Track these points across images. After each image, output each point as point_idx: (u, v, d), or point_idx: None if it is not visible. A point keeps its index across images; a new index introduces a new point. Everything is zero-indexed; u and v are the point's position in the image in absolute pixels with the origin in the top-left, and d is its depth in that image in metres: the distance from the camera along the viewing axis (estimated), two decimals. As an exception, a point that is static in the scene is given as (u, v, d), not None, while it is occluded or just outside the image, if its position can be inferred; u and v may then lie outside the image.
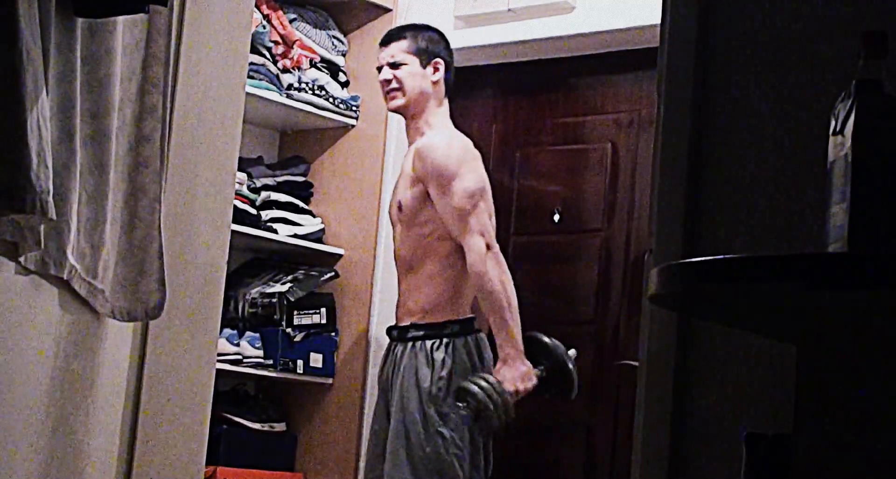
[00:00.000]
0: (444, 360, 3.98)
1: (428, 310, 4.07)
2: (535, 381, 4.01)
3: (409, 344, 4.04)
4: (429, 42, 4.29)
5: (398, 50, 4.27)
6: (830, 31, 2.35)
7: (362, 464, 4.80)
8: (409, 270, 4.15)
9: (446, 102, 4.28)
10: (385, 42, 4.32)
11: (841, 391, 1.52)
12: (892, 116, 1.63)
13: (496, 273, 3.99)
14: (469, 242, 4.01)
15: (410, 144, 4.27)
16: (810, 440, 1.52)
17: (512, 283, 4.02)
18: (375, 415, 4.19)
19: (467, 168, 4.12)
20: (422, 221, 4.11)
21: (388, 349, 4.16)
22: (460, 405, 3.91)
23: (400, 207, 4.16)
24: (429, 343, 4.01)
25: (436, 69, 4.25)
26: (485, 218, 4.06)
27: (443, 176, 4.07)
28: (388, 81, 4.24)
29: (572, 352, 4.11)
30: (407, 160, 4.21)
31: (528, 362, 4.01)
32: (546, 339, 4.10)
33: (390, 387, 4.07)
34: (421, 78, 4.23)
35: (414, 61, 4.25)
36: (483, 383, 3.90)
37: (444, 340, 4.01)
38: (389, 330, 4.19)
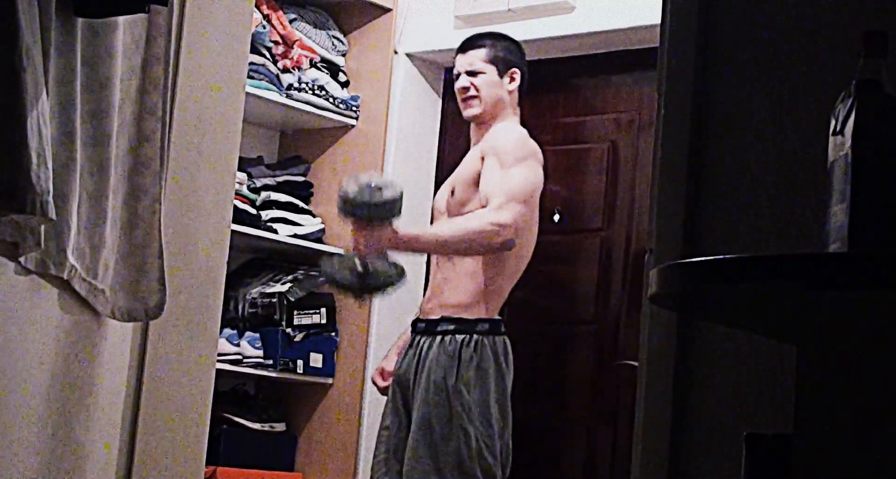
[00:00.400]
0: (471, 357, 3.96)
1: (462, 305, 4.05)
2: (378, 262, 3.93)
3: (438, 338, 4.01)
4: (506, 51, 4.28)
5: (476, 58, 4.25)
6: (830, 31, 2.35)
7: (363, 464, 4.80)
8: (448, 263, 4.12)
9: (518, 110, 4.28)
10: (463, 49, 4.30)
11: (841, 391, 1.52)
12: (892, 116, 1.63)
13: (483, 238, 3.94)
14: (497, 211, 3.94)
15: (475, 143, 4.25)
16: (810, 440, 1.52)
17: (483, 244, 3.98)
18: (387, 412, 4.14)
19: (536, 161, 4.11)
20: (471, 208, 4.08)
21: (413, 344, 4.10)
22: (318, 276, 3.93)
23: (453, 192, 4.14)
24: (459, 338, 3.99)
25: (512, 79, 4.25)
26: (527, 214, 4.01)
27: (508, 153, 4.06)
28: (466, 89, 4.22)
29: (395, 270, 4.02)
30: (473, 152, 4.17)
31: (396, 232, 3.94)
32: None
33: (413, 381, 4.01)
34: (498, 87, 4.23)
35: (491, 70, 4.24)
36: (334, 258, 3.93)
37: (475, 337, 3.99)
38: (415, 323, 4.15)
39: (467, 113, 4.23)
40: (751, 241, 2.37)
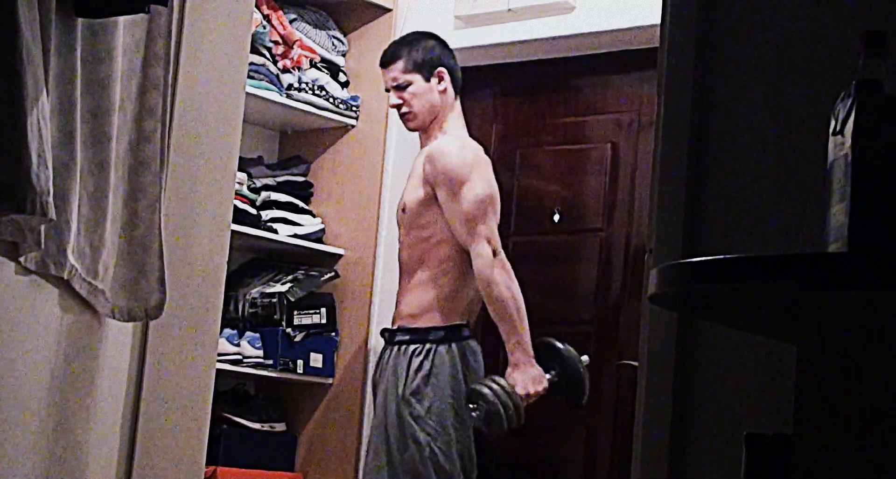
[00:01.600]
0: (421, 364, 4.00)
1: (415, 315, 4.09)
2: (546, 385, 4.02)
3: (396, 348, 4.08)
4: (425, 53, 4.26)
5: (398, 71, 4.26)
6: (830, 31, 2.35)
7: (362, 463, 4.80)
8: (405, 274, 4.18)
9: (457, 104, 4.28)
10: (383, 64, 4.31)
11: (841, 391, 1.52)
12: (892, 116, 1.63)
13: (503, 279, 4.01)
14: (477, 248, 4.02)
15: (422, 147, 4.27)
16: (810, 440, 1.52)
17: (518, 288, 4.04)
18: (373, 418, 4.22)
19: (478, 174, 4.13)
20: (422, 224, 4.12)
21: (381, 352, 4.21)
22: (471, 405, 3.92)
23: (404, 209, 4.17)
24: (411, 348, 4.03)
25: (440, 79, 4.25)
26: (493, 225, 4.08)
27: (453, 180, 4.08)
28: (399, 106, 4.24)
29: (585, 358, 4.12)
30: (417, 163, 4.21)
31: (539, 367, 4.02)
32: (559, 344, 4.12)
33: (375, 388, 4.12)
34: (428, 93, 4.23)
35: (416, 78, 4.24)
36: (495, 386, 3.91)
37: (427, 346, 4.03)
38: (382, 332, 4.24)
39: (408, 127, 4.27)
40: (751, 241, 2.37)
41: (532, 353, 4.03)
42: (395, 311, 4.20)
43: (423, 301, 4.10)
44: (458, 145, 4.17)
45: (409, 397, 3.96)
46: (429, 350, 4.02)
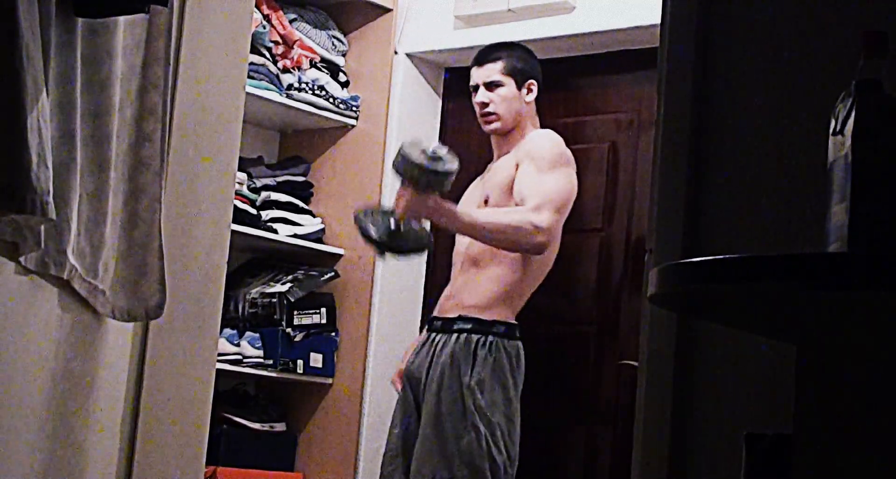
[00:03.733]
0: (485, 357, 3.97)
1: (481, 306, 4.06)
2: (412, 222, 3.96)
3: (455, 336, 4.02)
4: (523, 62, 4.28)
5: (494, 71, 4.25)
6: (830, 31, 2.35)
7: (363, 464, 4.80)
8: (473, 265, 4.13)
9: (538, 120, 4.28)
10: (479, 62, 4.30)
11: (841, 391, 1.52)
12: (892, 116, 1.63)
13: (516, 232, 3.96)
14: (535, 212, 3.97)
15: (497, 153, 4.27)
16: (810, 440, 1.52)
17: (515, 251, 4.01)
18: (398, 409, 4.14)
19: (571, 169, 4.13)
20: None
21: (426, 340, 4.13)
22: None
23: (486, 201, 4.14)
24: (474, 338, 4.00)
25: (529, 90, 4.25)
26: (560, 218, 4.04)
27: (547, 159, 4.07)
28: (486, 104, 4.23)
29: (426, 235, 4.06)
30: (505, 161, 4.18)
31: (427, 224, 4.00)
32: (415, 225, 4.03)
33: (425, 376, 4.04)
34: (517, 100, 4.23)
35: (510, 82, 4.24)
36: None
37: (490, 338, 4.01)
38: (432, 321, 4.18)
39: (488, 129, 4.25)
40: (751, 241, 2.37)
41: (450, 222, 4.00)
42: (449, 300, 4.15)
43: (490, 294, 4.08)
44: (559, 139, 4.18)
45: (475, 386, 3.93)
46: (492, 343, 4.01)
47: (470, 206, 4.17)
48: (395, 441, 4.09)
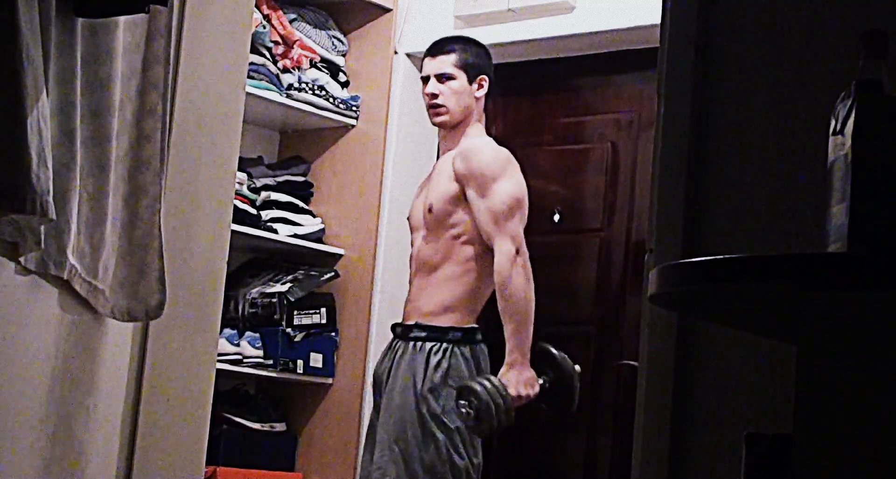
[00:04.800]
0: (439, 363, 3.99)
1: (434, 313, 4.08)
2: (537, 389, 4.02)
3: (411, 344, 4.05)
4: (476, 57, 4.27)
5: (447, 63, 4.23)
6: (830, 31, 2.35)
7: (360, 461, 4.81)
8: (429, 271, 4.14)
9: (483, 117, 4.28)
10: (432, 53, 4.28)
11: (841, 391, 1.52)
12: (892, 116, 1.63)
13: (521, 280, 4.01)
14: (500, 243, 4.01)
15: (444, 152, 4.26)
16: (810, 440, 1.52)
17: (533, 291, 4.03)
18: (373, 413, 4.20)
19: (510, 174, 4.13)
20: (451, 223, 4.11)
21: (389, 346, 4.17)
22: (462, 402, 3.91)
23: (430, 209, 4.14)
24: (428, 345, 4.02)
25: (480, 86, 4.25)
26: (518, 225, 4.07)
27: (486, 176, 4.08)
28: (435, 96, 4.21)
29: (577, 368, 4.12)
30: (443, 163, 4.19)
31: (533, 371, 4.02)
32: (555, 351, 4.12)
33: (384, 382, 4.08)
34: (467, 94, 4.23)
35: (462, 76, 4.23)
36: (487, 384, 3.91)
37: (444, 345, 4.02)
38: (394, 327, 4.19)
39: (435, 120, 4.24)
40: (751, 241, 2.37)
41: (529, 356, 4.03)
42: (408, 306, 4.17)
43: (443, 300, 4.09)
44: (492, 145, 4.19)
45: (427, 393, 3.95)
46: (446, 349, 4.02)
47: (419, 212, 4.20)
48: (365, 453, 4.14)
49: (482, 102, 4.26)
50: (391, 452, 3.94)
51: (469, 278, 4.11)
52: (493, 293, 4.07)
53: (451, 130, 4.23)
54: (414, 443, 3.92)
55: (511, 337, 4.02)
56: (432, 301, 4.10)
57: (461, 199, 4.10)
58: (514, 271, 4.01)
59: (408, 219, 4.34)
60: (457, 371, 4.00)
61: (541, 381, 4.04)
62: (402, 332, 4.13)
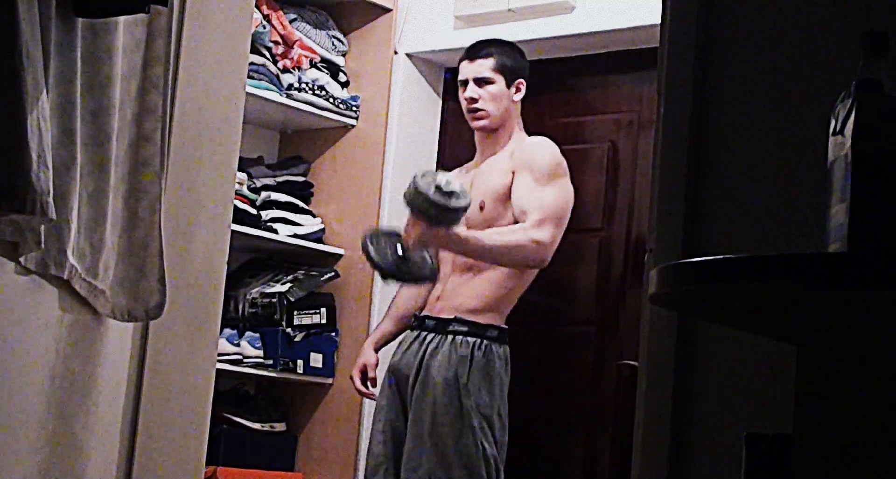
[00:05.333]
0: (480, 360, 3.99)
1: (476, 310, 4.08)
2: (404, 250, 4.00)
3: (449, 337, 4.03)
4: (514, 61, 4.26)
5: (486, 67, 4.23)
6: (830, 31, 2.35)
7: (362, 464, 4.80)
8: (469, 269, 4.13)
9: (521, 120, 4.27)
10: (471, 57, 4.28)
11: (841, 391, 1.52)
12: (892, 116, 1.63)
13: (525, 254, 3.98)
14: (540, 225, 4.00)
15: (485, 156, 4.26)
16: (810, 440, 1.52)
17: (521, 272, 4.04)
18: (382, 405, 4.14)
19: (567, 180, 4.15)
20: (501, 224, 4.10)
21: (415, 338, 4.13)
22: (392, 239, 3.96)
23: (482, 207, 4.12)
24: (471, 341, 4.01)
25: (518, 89, 4.25)
26: (556, 231, 4.05)
27: (545, 171, 4.08)
28: (475, 100, 4.20)
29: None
30: (495, 163, 4.18)
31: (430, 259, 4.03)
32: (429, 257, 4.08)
33: (414, 374, 4.04)
34: (506, 98, 4.22)
35: (500, 80, 4.22)
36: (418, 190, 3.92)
37: (485, 342, 4.02)
38: (423, 319, 4.16)
39: (476, 125, 4.24)
40: (751, 241, 2.37)
41: (459, 248, 4.00)
42: (440, 302, 4.15)
43: (485, 298, 4.09)
44: (556, 149, 4.18)
45: (471, 388, 3.95)
46: (486, 346, 4.02)
47: (481, 193, 4.16)
48: (380, 447, 4.10)
49: (519, 106, 4.26)
50: (426, 445, 3.92)
51: (510, 282, 4.10)
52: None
53: (490, 134, 4.23)
54: (450, 436, 3.91)
55: (485, 237, 3.99)
56: (472, 299, 4.09)
57: (508, 197, 4.08)
58: (529, 245, 3.98)
59: None
60: (494, 369, 4.00)
61: (419, 255, 3.99)
62: (437, 325, 4.10)
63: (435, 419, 3.93)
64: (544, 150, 4.14)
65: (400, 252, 3.96)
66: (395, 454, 4.04)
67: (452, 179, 3.99)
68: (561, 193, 4.10)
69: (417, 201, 3.92)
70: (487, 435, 3.94)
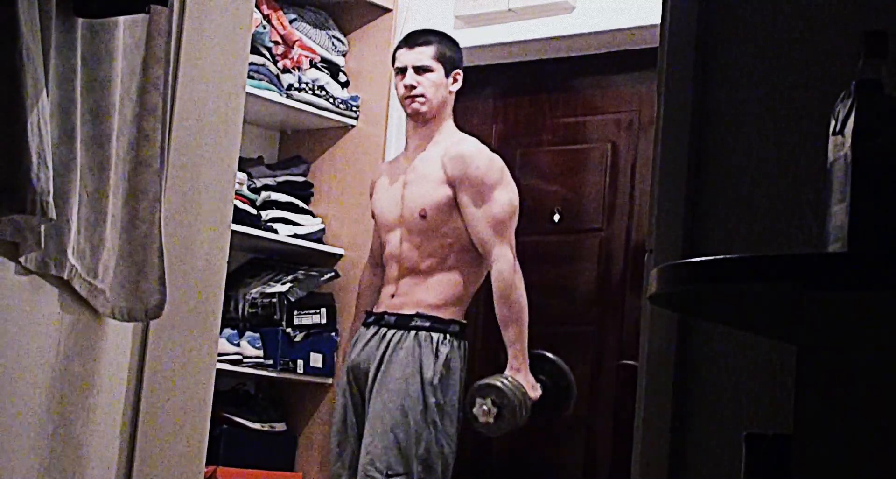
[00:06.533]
0: (447, 354, 4.00)
1: (437, 305, 4.09)
2: (540, 392, 4.05)
3: (413, 333, 4.03)
4: (452, 51, 4.27)
5: (425, 55, 4.23)
6: (830, 31, 2.35)
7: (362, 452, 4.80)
8: (418, 273, 4.14)
9: (452, 114, 4.29)
10: (410, 44, 4.28)
11: (841, 391, 1.52)
12: (892, 116, 1.63)
13: (522, 288, 4.08)
14: (501, 251, 4.06)
15: (415, 147, 4.25)
16: (810, 440, 1.52)
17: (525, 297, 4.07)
18: (347, 405, 4.14)
19: (507, 180, 4.16)
20: (445, 232, 4.11)
21: (374, 334, 4.12)
22: (482, 400, 3.93)
23: (424, 215, 4.13)
24: (435, 336, 4.02)
25: (455, 80, 4.25)
26: (510, 233, 4.09)
27: (485, 185, 4.09)
28: (413, 86, 4.20)
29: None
30: (428, 165, 4.18)
31: (531, 375, 4.07)
32: (551, 355, 4.16)
33: (374, 369, 4.04)
34: (443, 88, 4.22)
35: (439, 69, 4.22)
36: (509, 383, 3.95)
37: (448, 337, 4.03)
38: (380, 316, 4.15)
39: (412, 109, 4.22)
40: (751, 241, 2.37)
41: (528, 360, 4.07)
42: (401, 298, 4.13)
43: (445, 295, 4.11)
44: (484, 149, 4.19)
45: (437, 383, 3.96)
46: (451, 342, 4.03)
47: (412, 215, 4.15)
48: (337, 441, 4.11)
49: (453, 97, 4.26)
50: (386, 440, 3.92)
51: (464, 279, 4.14)
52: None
53: (424, 123, 4.23)
54: (413, 432, 3.92)
55: (514, 342, 4.05)
56: (433, 295, 4.11)
57: (454, 205, 4.10)
58: (515, 278, 4.05)
59: (374, 215, 4.33)
60: (457, 365, 4.03)
61: (539, 385, 4.08)
62: (398, 321, 4.09)
63: (398, 415, 3.93)
64: (480, 161, 4.13)
65: (522, 413, 4.05)
66: (355, 449, 4.04)
67: (496, 402, 4.05)
68: (505, 198, 4.12)
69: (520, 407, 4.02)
70: (448, 432, 3.96)
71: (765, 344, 2.22)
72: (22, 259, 2.81)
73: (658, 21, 2.61)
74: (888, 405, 1.50)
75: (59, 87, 2.80)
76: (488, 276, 4.15)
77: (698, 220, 2.43)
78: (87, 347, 2.98)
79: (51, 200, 2.66)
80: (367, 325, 4.18)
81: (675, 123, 2.49)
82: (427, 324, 4.05)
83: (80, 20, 2.86)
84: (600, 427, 4.70)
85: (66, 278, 2.88)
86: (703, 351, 2.39)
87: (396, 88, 4.29)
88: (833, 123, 1.68)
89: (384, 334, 4.09)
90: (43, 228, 2.76)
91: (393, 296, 4.17)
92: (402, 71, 4.25)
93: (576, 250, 4.83)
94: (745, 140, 2.41)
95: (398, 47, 4.33)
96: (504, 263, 4.04)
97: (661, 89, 2.55)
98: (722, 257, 1.63)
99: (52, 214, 2.67)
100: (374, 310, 4.20)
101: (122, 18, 2.97)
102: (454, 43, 4.32)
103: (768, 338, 2.12)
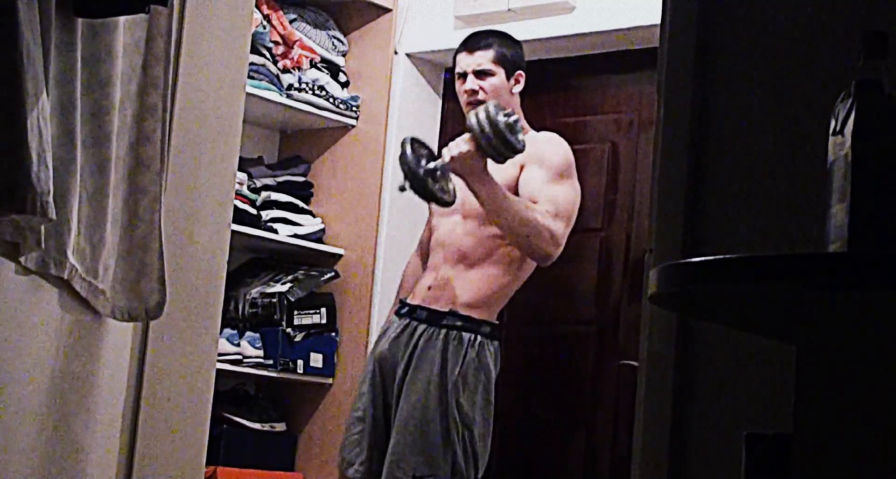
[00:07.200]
0: (476, 355, 3.93)
1: (472, 305, 4.00)
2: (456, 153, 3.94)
3: (443, 331, 3.97)
4: (513, 52, 4.20)
5: (485, 59, 4.16)
6: (830, 31, 2.35)
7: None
8: (463, 262, 4.06)
9: (521, 114, 4.20)
10: (469, 48, 4.20)
11: (841, 391, 1.52)
12: (892, 116, 1.63)
13: (534, 231, 3.92)
14: (552, 216, 3.95)
15: None
16: (810, 440, 1.52)
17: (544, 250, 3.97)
18: (364, 391, 4.08)
19: (576, 179, 4.09)
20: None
21: (404, 328, 4.05)
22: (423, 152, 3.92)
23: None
24: (466, 336, 3.95)
25: (517, 81, 4.19)
26: (566, 231, 4.01)
27: (557, 169, 4.02)
28: (475, 92, 4.13)
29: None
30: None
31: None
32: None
33: (403, 364, 3.98)
34: (506, 90, 4.16)
35: (500, 72, 4.16)
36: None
37: (479, 338, 3.96)
38: (414, 309, 4.07)
39: None
40: (751, 241, 2.37)
41: (482, 189, 3.90)
42: (434, 291, 4.06)
43: (482, 294, 4.02)
44: (566, 146, 4.12)
45: (460, 385, 3.88)
46: (480, 343, 3.97)
47: (471, 203, 4.08)
48: (361, 426, 4.02)
49: (518, 98, 4.20)
50: (412, 442, 3.88)
51: (506, 278, 4.04)
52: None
53: None
54: (439, 434, 3.87)
55: (515, 201, 3.92)
56: (469, 293, 4.01)
57: (516, 188, 4.02)
58: (545, 233, 3.92)
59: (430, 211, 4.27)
60: (485, 366, 3.96)
61: (446, 176, 3.94)
62: (429, 317, 4.02)
63: (424, 415, 3.89)
64: (557, 147, 4.09)
65: (431, 167, 3.90)
66: (374, 443, 4.00)
67: (521, 119, 3.93)
68: (571, 193, 4.05)
69: (484, 123, 3.80)
70: (474, 438, 3.91)
71: (765, 344, 2.22)
72: (22, 259, 2.81)
73: (658, 21, 2.61)
74: (888, 405, 1.50)
75: (59, 87, 2.80)
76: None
77: (698, 220, 2.43)
78: (87, 347, 2.98)
79: (51, 200, 2.66)
80: (399, 315, 4.10)
81: (675, 123, 2.49)
82: (459, 323, 3.97)
83: (80, 20, 2.86)
84: (600, 427, 4.70)
85: (66, 277, 2.88)
86: (703, 351, 2.39)
87: (458, 94, 4.23)
88: (833, 123, 1.68)
89: (414, 329, 4.01)
90: (43, 228, 2.76)
91: (430, 288, 4.08)
92: (462, 76, 4.18)
93: (576, 250, 4.82)
94: (745, 140, 2.41)
95: (458, 51, 4.25)
96: (553, 223, 3.92)
97: (661, 89, 2.55)
98: (722, 257, 1.63)
99: (52, 214, 2.67)
100: (409, 301, 4.11)
101: (122, 18, 2.97)
102: (515, 43, 4.24)
103: (768, 338, 2.12)
